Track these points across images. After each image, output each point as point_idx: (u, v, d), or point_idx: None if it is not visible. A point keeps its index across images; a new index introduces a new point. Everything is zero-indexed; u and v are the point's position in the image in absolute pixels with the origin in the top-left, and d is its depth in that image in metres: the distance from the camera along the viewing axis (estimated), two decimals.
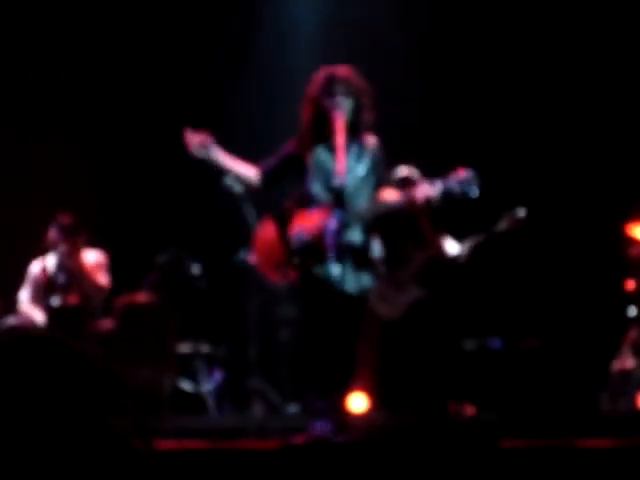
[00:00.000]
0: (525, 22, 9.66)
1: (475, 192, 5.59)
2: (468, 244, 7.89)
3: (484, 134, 9.58)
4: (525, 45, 9.60)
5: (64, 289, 7.79)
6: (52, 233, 7.89)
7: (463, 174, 5.58)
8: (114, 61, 9.73)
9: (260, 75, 9.69)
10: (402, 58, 9.59)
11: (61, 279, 7.85)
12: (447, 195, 5.66)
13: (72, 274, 7.88)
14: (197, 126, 6.05)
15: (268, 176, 5.92)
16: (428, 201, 5.53)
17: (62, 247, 7.90)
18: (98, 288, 7.93)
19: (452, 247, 7.89)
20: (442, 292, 7.73)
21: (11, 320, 7.76)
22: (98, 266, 8.02)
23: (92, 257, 8.05)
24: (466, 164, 5.67)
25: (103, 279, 8.00)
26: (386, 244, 7.47)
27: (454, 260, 7.88)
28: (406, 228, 7.77)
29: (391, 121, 8.48)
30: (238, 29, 9.87)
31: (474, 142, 9.28)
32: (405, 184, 6.54)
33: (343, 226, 5.51)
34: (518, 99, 9.60)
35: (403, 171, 7.60)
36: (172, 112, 9.62)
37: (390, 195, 5.72)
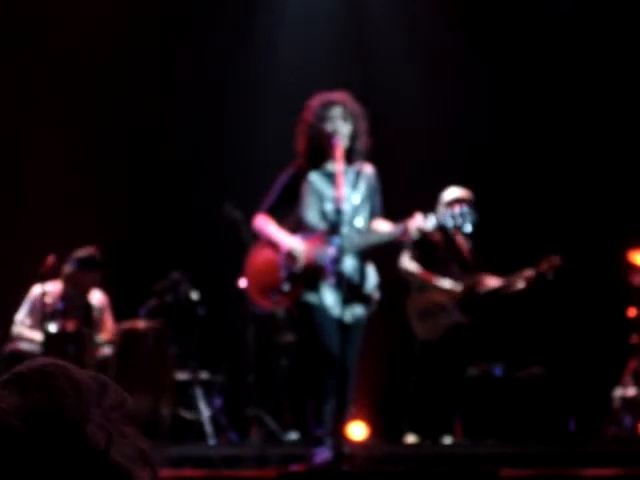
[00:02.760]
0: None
1: (468, 227, 5.69)
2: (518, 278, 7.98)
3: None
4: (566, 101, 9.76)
5: (63, 316, 7.85)
6: (70, 266, 7.95)
7: (457, 209, 5.67)
8: (122, 85, 9.80)
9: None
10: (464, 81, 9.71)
11: (61, 306, 7.90)
12: (440, 227, 5.77)
13: (80, 307, 7.96)
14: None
15: (272, 213, 5.96)
16: (422, 232, 5.61)
17: (80, 280, 7.99)
18: (108, 330, 8.04)
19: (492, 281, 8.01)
20: (478, 320, 7.81)
21: (8, 347, 7.82)
22: (105, 308, 8.13)
23: (97, 298, 8.16)
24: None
25: (110, 321, 8.11)
26: (431, 267, 7.59)
27: (492, 291, 7.96)
28: (451, 254, 7.87)
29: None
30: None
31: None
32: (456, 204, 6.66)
33: (340, 254, 5.56)
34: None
35: (455, 192, 7.69)
36: (171, 134, 9.72)
37: (384, 226, 5.79)
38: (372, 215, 5.91)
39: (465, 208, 5.73)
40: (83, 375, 1.36)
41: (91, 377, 1.37)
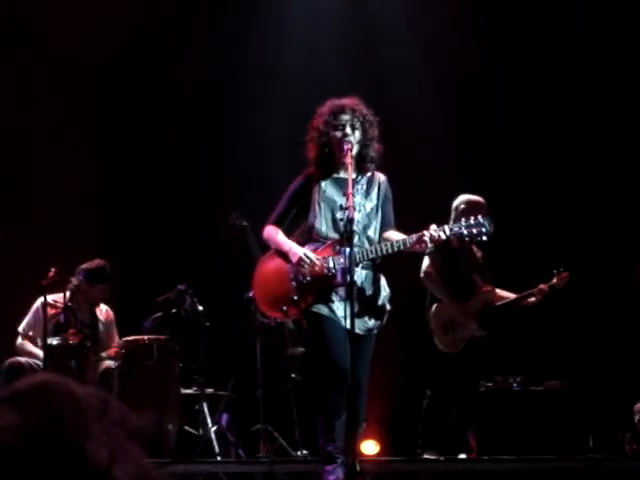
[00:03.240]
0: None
1: (484, 237, 5.60)
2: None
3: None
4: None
5: (65, 329, 7.75)
6: (78, 278, 7.89)
7: (473, 219, 5.59)
8: (120, 97, 9.76)
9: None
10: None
11: (63, 319, 7.82)
12: (456, 237, 5.70)
13: (86, 320, 7.91)
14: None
15: (281, 223, 5.88)
16: (435, 242, 5.51)
17: (87, 293, 7.97)
18: (113, 345, 8.00)
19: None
20: (495, 333, 7.77)
21: (9, 360, 7.75)
22: (111, 323, 8.09)
23: (104, 312, 8.20)
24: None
25: (116, 337, 8.08)
26: (455, 279, 7.57)
27: (507, 304, 7.99)
28: (474, 265, 7.85)
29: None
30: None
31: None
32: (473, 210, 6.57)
33: (351, 264, 5.44)
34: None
35: (468, 198, 7.67)
36: (173, 141, 9.68)
37: (396, 236, 5.70)
38: (384, 224, 5.81)
39: (480, 218, 5.64)
40: (84, 391, 1.34)
41: (92, 393, 1.35)
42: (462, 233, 5.62)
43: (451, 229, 5.59)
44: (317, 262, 5.66)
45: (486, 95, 9.70)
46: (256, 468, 6.96)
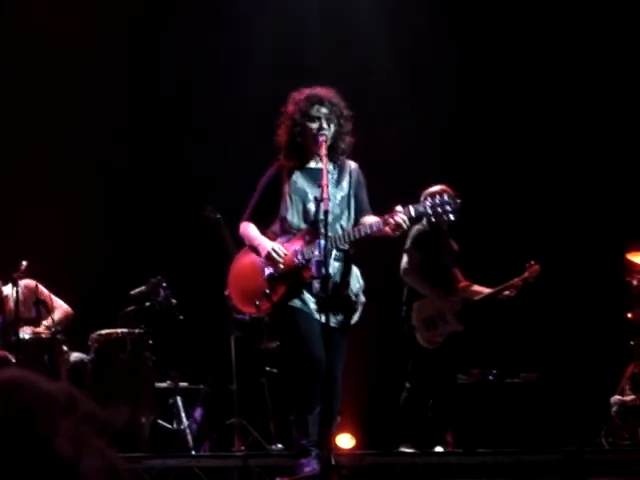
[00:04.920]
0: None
1: (450, 215, 5.66)
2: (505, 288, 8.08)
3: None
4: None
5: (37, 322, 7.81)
6: None
7: (437, 198, 5.63)
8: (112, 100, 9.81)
9: None
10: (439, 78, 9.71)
11: (35, 312, 7.85)
12: (421, 217, 5.74)
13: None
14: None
15: (256, 218, 5.92)
16: (399, 225, 5.55)
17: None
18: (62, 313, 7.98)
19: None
20: (472, 327, 7.84)
21: None
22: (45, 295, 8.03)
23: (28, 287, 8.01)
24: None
25: (60, 305, 8.04)
26: (436, 274, 7.64)
27: (483, 299, 8.05)
28: (454, 260, 7.93)
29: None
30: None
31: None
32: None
33: (326, 257, 5.48)
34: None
35: (434, 189, 7.73)
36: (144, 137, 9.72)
37: (371, 219, 5.74)
38: (360, 211, 5.85)
39: (446, 197, 5.69)
40: (52, 387, 1.36)
41: (60, 389, 1.36)
42: (427, 213, 5.67)
43: (416, 209, 5.64)
44: (284, 255, 5.72)
45: (456, 81, 9.80)
46: (231, 462, 7.00)
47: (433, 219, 5.78)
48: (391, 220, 5.57)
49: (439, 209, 5.64)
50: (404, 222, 5.56)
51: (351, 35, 10.07)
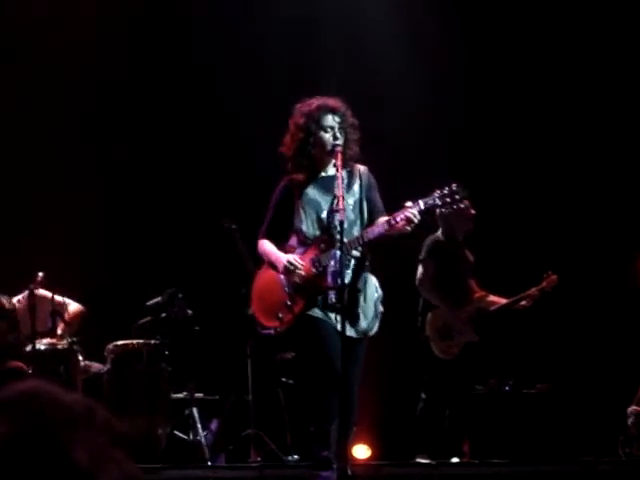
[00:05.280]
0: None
1: (460, 204, 5.69)
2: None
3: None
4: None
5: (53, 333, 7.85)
6: None
7: (447, 189, 5.64)
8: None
9: None
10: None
11: (51, 323, 7.89)
12: (431, 209, 5.75)
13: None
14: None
15: (272, 234, 5.93)
16: (409, 220, 5.56)
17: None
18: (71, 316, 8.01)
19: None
20: (487, 338, 7.85)
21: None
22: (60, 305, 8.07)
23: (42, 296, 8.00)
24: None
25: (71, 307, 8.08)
26: (450, 285, 7.65)
27: (499, 309, 8.06)
28: (469, 271, 7.94)
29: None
30: None
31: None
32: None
33: (342, 267, 5.50)
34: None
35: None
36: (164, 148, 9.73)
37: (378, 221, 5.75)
38: (374, 212, 5.86)
39: (454, 186, 5.70)
40: (70, 398, 1.36)
41: (78, 400, 1.37)
42: (436, 204, 5.68)
43: (425, 202, 5.65)
44: (301, 266, 5.74)
45: (469, 84, 9.81)
46: (247, 473, 7.01)
47: (443, 209, 5.79)
48: (398, 218, 5.59)
49: (448, 199, 5.66)
50: (414, 216, 5.58)
51: (361, 31, 10.06)
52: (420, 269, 7.90)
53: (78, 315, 8.26)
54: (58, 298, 8.03)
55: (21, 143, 9.59)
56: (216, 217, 8.08)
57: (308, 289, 5.74)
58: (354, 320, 5.69)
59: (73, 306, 8.25)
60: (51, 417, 1.32)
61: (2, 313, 7.85)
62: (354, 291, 5.72)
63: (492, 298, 8.09)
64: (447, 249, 7.93)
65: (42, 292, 7.94)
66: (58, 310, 7.99)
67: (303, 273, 5.73)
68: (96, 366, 8.05)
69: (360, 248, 5.74)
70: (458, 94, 9.82)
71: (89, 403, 1.40)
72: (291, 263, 5.74)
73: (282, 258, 5.80)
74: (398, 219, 5.60)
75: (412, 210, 5.57)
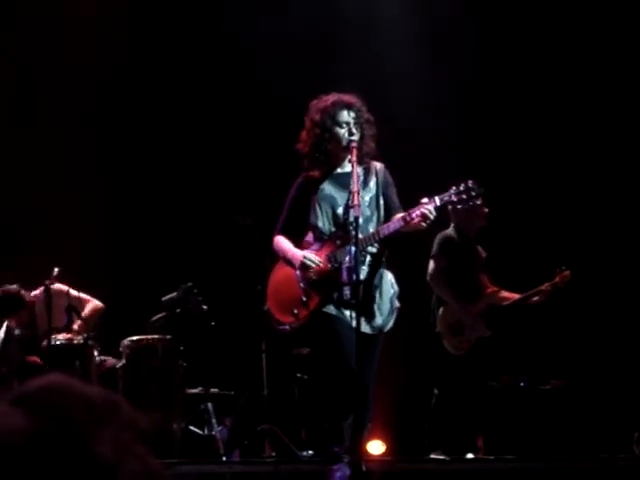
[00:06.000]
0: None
1: (476, 200, 5.70)
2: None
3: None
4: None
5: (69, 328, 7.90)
6: None
7: (463, 186, 5.65)
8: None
9: None
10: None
11: (67, 319, 7.94)
12: (447, 206, 5.77)
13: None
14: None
15: (287, 231, 5.95)
16: (425, 216, 5.57)
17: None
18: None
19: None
20: (500, 333, 7.86)
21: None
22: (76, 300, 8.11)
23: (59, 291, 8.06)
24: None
25: (89, 301, 8.13)
26: (461, 280, 7.67)
27: (512, 304, 8.06)
28: (481, 266, 7.95)
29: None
30: None
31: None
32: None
33: (356, 263, 5.51)
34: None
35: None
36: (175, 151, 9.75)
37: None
38: (391, 209, 5.87)
39: (470, 183, 5.71)
40: (93, 392, 1.36)
41: (102, 395, 1.36)
42: (453, 200, 5.69)
43: (441, 199, 5.66)
44: (318, 262, 5.76)
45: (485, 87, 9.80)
46: (261, 468, 7.03)
47: (459, 206, 5.80)
48: (414, 215, 5.60)
49: (464, 195, 5.67)
50: (430, 212, 5.59)
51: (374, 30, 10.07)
52: (431, 265, 7.92)
53: (97, 312, 8.30)
54: (74, 293, 8.07)
55: (34, 139, 9.64)
56: (231, 212, 8.10)
57: (323, 285, 5.75)
58: (369, 316, 5.71)
59: (92, 303, 8.29)
60: (74, 411, 1.31)
61: (23, 304, 7.93)
62: (370, 287, 5.73)
63: (504, 294, 8.10)
64: (459, 245, 7.94)
65: (58, 287, 7.98)
66: (74, 306, 8.03)
67: (319, 269, 5.75)
68: (111, 361, 8.09)
69: (376, 244, 5.76)
70: (470, 91, 9.82)
71: (113, 397, 1.38)
72: (308, 259, 5.76)
73: (298, 254, 5.82)
74: (414, 215, 5.61)
75: (428, 206, 5.59)
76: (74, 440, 1.28)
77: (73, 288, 8.05)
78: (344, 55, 9.77)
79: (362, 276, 5.65)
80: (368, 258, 5.76)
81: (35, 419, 1.29)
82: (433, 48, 9.82)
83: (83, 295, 8.24)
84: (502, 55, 9.89)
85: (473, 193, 5.68)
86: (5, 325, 7.89)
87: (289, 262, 5.88)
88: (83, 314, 8.06)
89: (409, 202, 5.82)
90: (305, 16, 9.74)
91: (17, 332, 7.97)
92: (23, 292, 7.94)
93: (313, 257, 5.77)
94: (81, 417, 1.31)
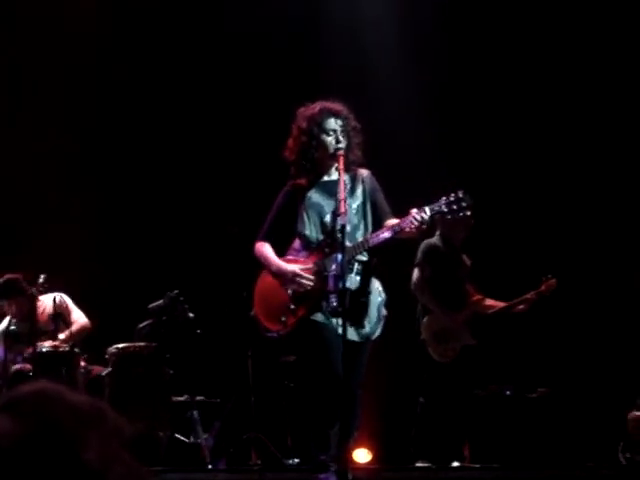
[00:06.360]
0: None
1: (466, 212, 5.69)
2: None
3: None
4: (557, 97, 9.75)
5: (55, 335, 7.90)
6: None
7: (453, 196, 5.65)
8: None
9: None
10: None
11: (53, 326, 7.94)
12: (438, 215, 5.77)
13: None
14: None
15: (270, 238, 5.95)
16: (418, 227, 5.57)
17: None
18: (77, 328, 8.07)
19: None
20: (485, 342, 7.88)
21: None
22: (63, 308, 8.13)
23: (50, 302, 8.11)
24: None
25: (79, 317, 8.14)
26: (446, 289, 7.68)
27: (496, 313, 8.10)
28: (465, 275, 7.96)
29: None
30: None
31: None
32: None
33: (343, 271, 5.50)
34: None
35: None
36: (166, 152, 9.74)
37: (392, 223, 5.76)
38: (382, 215, 5.87)
39: (460, 193, 5.71)
40: (80, 399, 1.38)
41: (88, 402, 1.39)
42: (443, 211, 5.69)
43: (432, 209, 5.65)
44: (308, 278, 5.75)
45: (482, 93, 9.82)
46: (247, 476, 7.02)
47: (449, 216, 5.79)
48: (404, 224, 5.61)
49: (455, 206, 5.66)
50: (421, 222, 5.59)
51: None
52: (416, 273, 7.93)
53: (83, 330, 8.28)
54: (68, 302, 8.15)
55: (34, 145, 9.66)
56: (218, 221, 8.10)
57: (312, 293, 5.75)
58: (357, 324, 5.71)
59: (81, 320, 8.27)
60: (62, 418, 1.32)
61: (22, 291, 8.02)
62: (358, 295, 5.73)
63: (489, 302, 8.12)
64: (443, 253, 7.95)
65: (60, 294, 8.11)
66: (59, 313, 8.03)
67: (310, 283, 5.74)
68: (97, 369, 8.08)
69: (365, 252, 5.76)
70: (457, 96, 9.83)
71: (99, 404, 1.41)
72: (300, 276, 5.74)
73: (284, 268, 5.81)
74: (404, 225, 5.61)
75: (417, 216, 5.59)
76: (62, 445, 1.30)
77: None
78: (330, 59, 9.78)
79: (351, 284, 5.65)
80: (358, 266, 5.76)
81: (23, 424, 1.30)
82: (415, 51, 9.82)
83: (75, 310, 8.25)
84: (483, 59, 9.89)
85: (464, 204, 5.68)
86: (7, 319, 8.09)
87: (274, 274, 5.87)
88: (73, 331, 8.06)
89: (392, 206, 5.84)
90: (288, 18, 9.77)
91: (13, 328, 8.04)
92: (25, 283, 8.02)
93: (305, 275, 5.75)
94: (69, 423, 1.32)
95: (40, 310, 8.00)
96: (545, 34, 9.81)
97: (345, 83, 8.98)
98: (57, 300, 8.00)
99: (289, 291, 5.78)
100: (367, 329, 5.78)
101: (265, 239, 5.95)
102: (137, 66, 9.95)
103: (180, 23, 10.03)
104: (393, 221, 5.75)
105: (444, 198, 5.68)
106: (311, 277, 5.73)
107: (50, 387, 1.39)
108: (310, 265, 5.77)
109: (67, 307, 8.18)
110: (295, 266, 5.79)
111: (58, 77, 9.75)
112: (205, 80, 9.96)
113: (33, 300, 7.94)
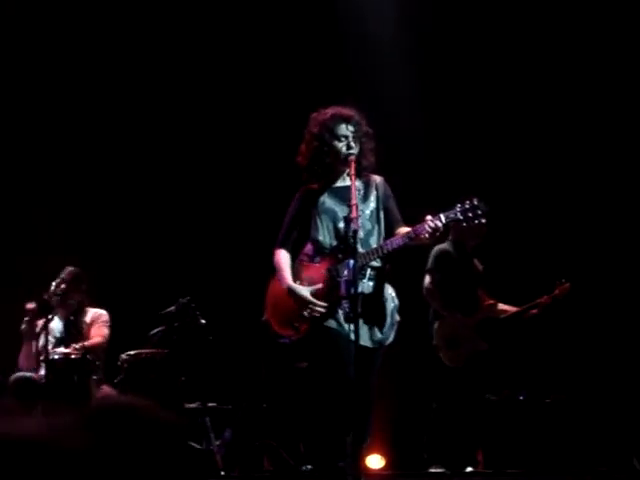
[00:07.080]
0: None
1: (482, 219, 5.66)
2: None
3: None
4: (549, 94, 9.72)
5: (64, 343, 7.89)
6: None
7: (467, 202, 5.63)
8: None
9: None
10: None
11: (62, 334, 7.94)
12: (452, 223, 5.76)
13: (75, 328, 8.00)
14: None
15: (288, 244, 5.95)
16: (432, 234, 5.56)
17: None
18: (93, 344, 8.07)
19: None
20: (497, 346, 7.87)
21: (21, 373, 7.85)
22: (97, 322, 8.14)
23: (90, 315, 8.18)
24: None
25: (99, 334, 8.14)
26: (457, 294, 7.67)
27: (509, 317, 8.10)
28: (477, 279, 7.96)
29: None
30: None
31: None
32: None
33: (356, 276, 5.49)
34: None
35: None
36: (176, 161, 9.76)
37: (404, 231, 5.75)
38: (393, 222, 5.86)
39: (475, 201, 5.69)
40: (166, 416, 1.47)
41: (174, 419, 1.45)
42: (458, 218, 5.67)
43: (447, 216, 5.64)
44: (321, 306, 5.73)
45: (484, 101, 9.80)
46: None
47: (464, 224, 5.77)
48: (419, 231, 5.60)
49: (470, 213, 5.64)
50: (436, 230, 5.57)
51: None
52: (427, 279, 7.93)
53: (96, 345, 8.22)
54: (105, 317, 8.18)
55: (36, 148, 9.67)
56: (231, 228, 8.10)
57: (325, 300, 5.74)
58: (370, 330, 5.71)
59: (97, 338, 8.22)
60: (140, 433, 1.38)
61: (84, 281, 8.10)
62: (371, 301, 5.72)
63: (502, 307, 8.12)
64: (454, 259, 7.95)
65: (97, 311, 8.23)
66: (72, 321, 8.04)
67: (324, 311, 5.73)
68: (106, 389, 8.00)
69: (379, 257, 5.76)
70: (466, 103, 9.82)
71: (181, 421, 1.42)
72: (312, 304, 5.73)
73: (297, 292, 5.78)
74: (419, 232, 5.60)
75: (431, 224, 5.57)
76: (130, 462, 1.35)
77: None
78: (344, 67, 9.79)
79: (365, 290, 5.64)
80: (371, 272, 5.75)
81: (102, 440, 1.34)
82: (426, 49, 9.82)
83: (99, 327, 8.24)
84: (501, 60, 9.87)
85: (479, 212, 5.65)
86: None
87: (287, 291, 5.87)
88: (83, 343, 8.04)
89: (408, 217, 5.83)
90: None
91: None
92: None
93: (317, 302, 5.74)
94: (148, 439, 1.41)
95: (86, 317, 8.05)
96: (546, 34, 9.78)
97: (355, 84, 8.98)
98: (97, 311, 8.06)
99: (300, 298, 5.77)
100: (380, 335, 5.77)
101: (283, 246, 5.94)
102: (151, 75, 9.96)
103: (195, 25, 10.04)
104: (405, 229, 5.75)
105: (459, 205, 5.66)
106: (324, 304, 5.70)
107: (137, 403, 1.50)
108: (320, 285, 5.75)
109: (99, 322, 8.18)
110: (306, 290, 5.76)
111: (58, 78, 9.76)
112: (218, 86, 9.96)
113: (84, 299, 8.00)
